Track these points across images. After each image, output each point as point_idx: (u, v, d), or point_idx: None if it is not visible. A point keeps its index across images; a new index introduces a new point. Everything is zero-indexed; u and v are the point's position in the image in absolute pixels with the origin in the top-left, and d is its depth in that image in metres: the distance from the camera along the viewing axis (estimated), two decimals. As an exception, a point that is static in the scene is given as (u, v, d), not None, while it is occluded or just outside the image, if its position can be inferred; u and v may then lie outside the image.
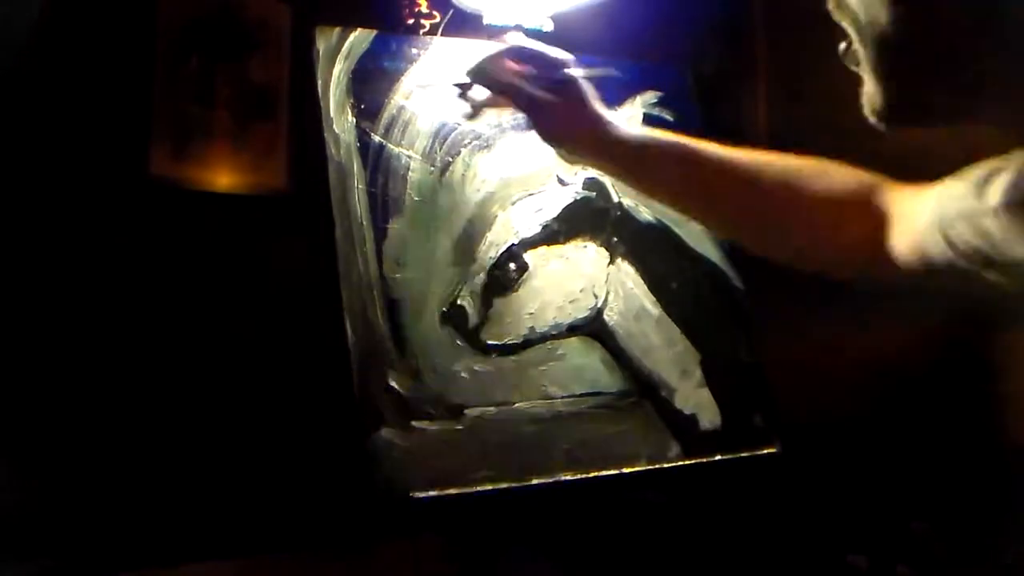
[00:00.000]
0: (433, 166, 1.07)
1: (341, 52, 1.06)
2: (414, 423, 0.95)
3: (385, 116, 1.06)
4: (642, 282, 1.15)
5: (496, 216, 1.09)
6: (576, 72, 0.98)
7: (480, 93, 1.04)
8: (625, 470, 1.03)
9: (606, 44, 1.25)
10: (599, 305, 1.11)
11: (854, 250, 0.78)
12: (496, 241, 1.08)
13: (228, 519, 1.12)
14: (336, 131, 1.03)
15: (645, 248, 1.16)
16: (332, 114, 1.03)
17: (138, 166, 1.14)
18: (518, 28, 1.13)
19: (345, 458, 0.95)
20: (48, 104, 1.10)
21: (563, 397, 1.05)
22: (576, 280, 1.11)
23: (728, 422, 1.12)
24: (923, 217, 0.68)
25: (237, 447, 1.15)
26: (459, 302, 1.03)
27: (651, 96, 1.24)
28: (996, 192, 0.57)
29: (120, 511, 1.08)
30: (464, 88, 1.04)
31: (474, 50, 1.06)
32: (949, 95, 0.51)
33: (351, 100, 1.04)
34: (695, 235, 1.20)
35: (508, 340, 1.05)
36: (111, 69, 1.13)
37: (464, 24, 1.17)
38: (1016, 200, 0.55)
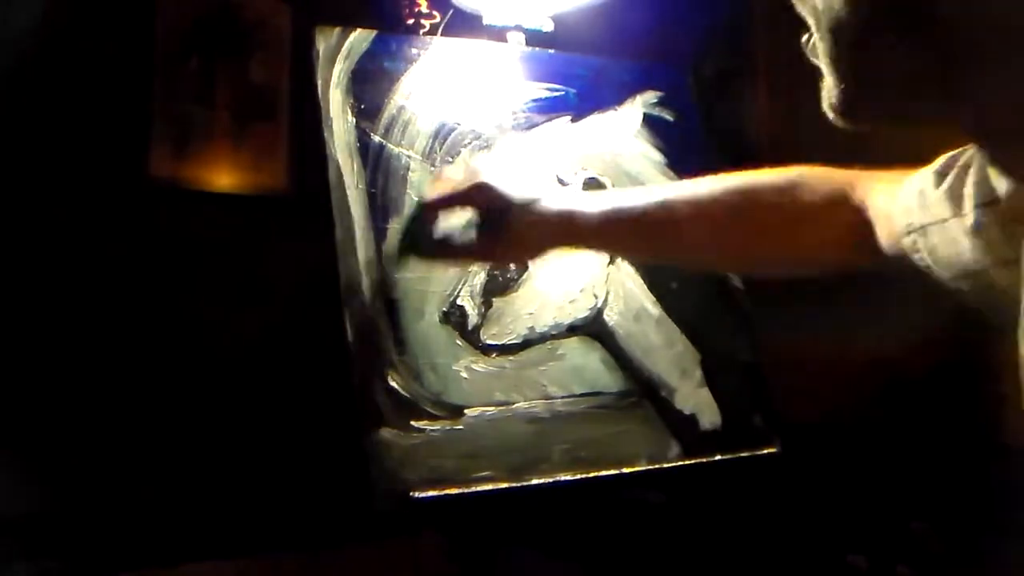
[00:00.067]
0: (433, 166, 1.07)
1: (341, 52, 1.06)
2: (414, 423, 0.95)
3: (385, 116, 1.06)
4: (642, 282, 1.15)
5: (496, 216, 1.09)
6: (480, 170, 0.94)
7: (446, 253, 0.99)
8: (625, 470, 1.03)
9: (606, 44, 1.25)
10: (599, 305, 1.11)
11: (839, 254, 0.78)
12: (496, 241, 1.08)
13: (228, 519, 1.13)
14: (336, 131, 1.03)
15: (645, 248, 1.16)
16: (332, 114, 1.03)
17: (138, 166, 1.14)
18: (518, 28, 1.13)
19: (345, 458, 0.95)
20: (48, 104, 1.10)
21: (563, 397, 1.05)
22: (576, 280, 1.11)
23: (728, 422, 1.12)
24: (898, 220, 0.68)
25: (237, 447, 1.15)
26: (459, 302, 1.03)
27: (651, 96, 1.24)
28: (967, 202, 0.57)
29: (120, 511, 1.08)
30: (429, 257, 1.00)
31: (473, 51, 1.06)
32: (908, 91, 0.50)
33: (351, 100, 1.04)
34: (695, 235, 1.20)
35: (508, 340, 1.05)
36: (111, 69, 1.13)
37: (464, 24, 1.17)
38: (986, 202, 0.55)
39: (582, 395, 1.06)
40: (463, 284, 1.04)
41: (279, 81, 1.23)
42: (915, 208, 0.65)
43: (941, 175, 0.63)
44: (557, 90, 1.17)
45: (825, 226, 0.77)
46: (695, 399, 1.12)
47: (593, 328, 1.10)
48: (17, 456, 1.03)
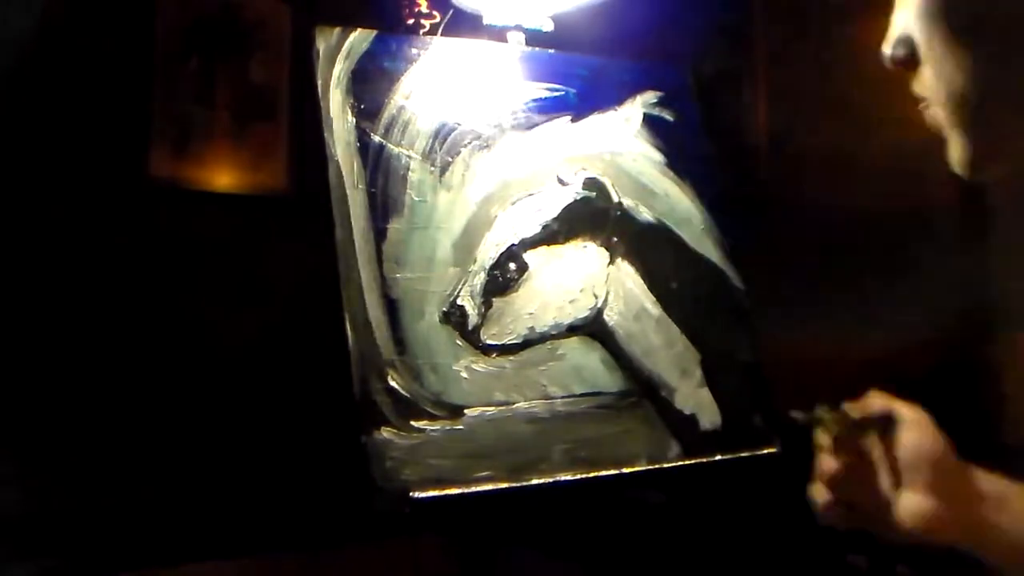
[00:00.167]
0: (433, 166, 1.07)
1: (341, 52, 1.06)
2: (414, 423, 0.95)
3: (385, 116, 1.06)
4: (642, 282, 1.14)
5: (496, 216, 1.09)
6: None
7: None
8: (625, 470, 1.03)
9: (606, 44, 1.25)
10: (599, 305, 1.11)
11: None
12: (496, 241, 1.08)
13: (229, 519, 1.13)
14: (336, 131, 1.03)
15: (645, 248, 1.16)
16: (332, 114, 1.03)
17: (138, 166, 1.14)
18: (518, 28, 1.13)
19: (345, 458, 0.95)
20: (48, 104, 1.10)
21: (563, 397, 1.05)
22: (576, 280, 1.11)
23: (728, 422, 1.12)
24: None
25: (237, 447, 1.15)
26: (459, 302, 1.03)
27: (651, 96, 1.24)
28: None
29: (121, 511, 1.08)
30: None
31: (473, 51, 1.05)
32: None
33: (351, 100, 1.04)
34: (695, 235, 1.20)
35: (508, 340, 1.05)
36: (111, 70, 1.13)
37: (464, 24, 1.17)
38: None
39: (582, 395, 1.06)
40: (463, 284, 1.04)
41: (279, 81, 1.23)
42: None
43: None
44: (557, 90, 1.17)
45: None
46: (695, 399, 1.12)
47: (593, 328, 1.10)
48: (17, 456, 1.03)
